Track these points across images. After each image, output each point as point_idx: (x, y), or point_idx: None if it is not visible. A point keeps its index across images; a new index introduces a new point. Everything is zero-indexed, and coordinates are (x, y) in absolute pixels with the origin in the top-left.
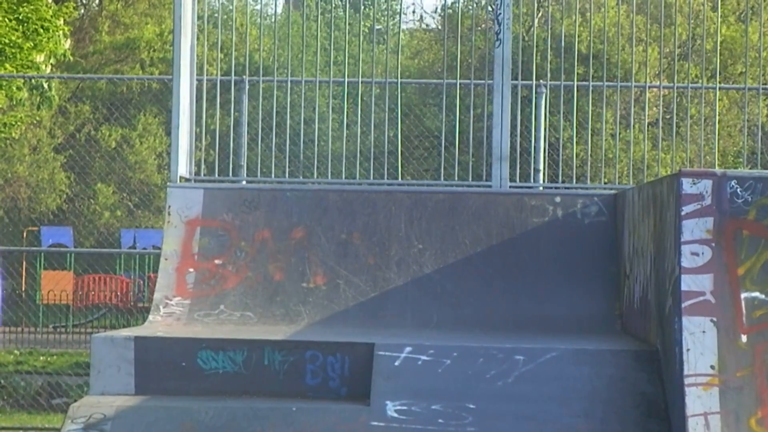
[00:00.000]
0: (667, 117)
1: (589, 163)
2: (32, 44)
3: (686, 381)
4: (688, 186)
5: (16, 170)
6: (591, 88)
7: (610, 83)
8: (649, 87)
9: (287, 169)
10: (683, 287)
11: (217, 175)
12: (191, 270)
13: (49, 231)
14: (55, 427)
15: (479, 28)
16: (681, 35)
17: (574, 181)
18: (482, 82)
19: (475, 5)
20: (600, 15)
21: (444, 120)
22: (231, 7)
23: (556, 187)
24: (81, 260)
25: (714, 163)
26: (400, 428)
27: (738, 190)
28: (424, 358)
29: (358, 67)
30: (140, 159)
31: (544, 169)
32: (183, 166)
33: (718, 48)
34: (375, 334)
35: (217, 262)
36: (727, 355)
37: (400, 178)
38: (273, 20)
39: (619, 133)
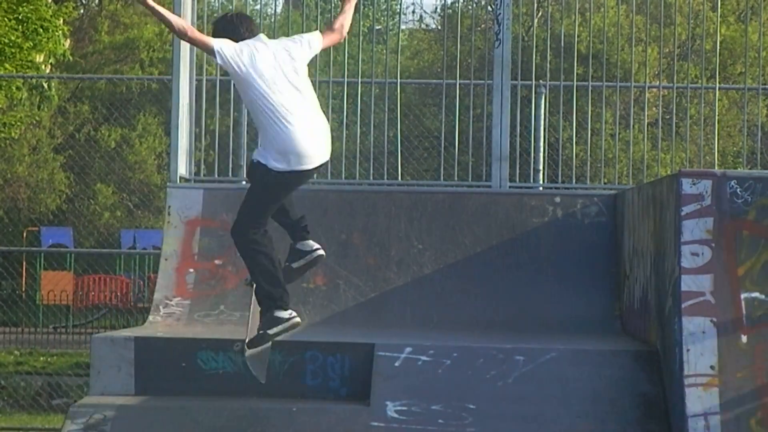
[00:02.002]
0: (667, 117)
1: (588, 164)
2: (32, 44)
3: (686, 381)
4: (687, 186)
5: (16, 170)
6: (590, 88)
7: (610, 83)
8: (649, 87)
9: None
10: (683, 287)
11: (216, 176)
12: (191, 270)
13: (48, 231)
14: (55, 427)
15: (479, 28)
16: (681, 35)
17: (574, 181)
18: (482, 82)
19: (474, 5)
20: (600, 15)
21: (444, 120)
22: (231, 7)
23: (555, 188)
24: (81, 260)
25: (714, 163)
26: (400, 428)
27: (738, 190)
28: (424, 358)
29: (357, 67)
30: (140, 159)
31: (543, 169)
32: (183, 166)
33: (718, 48)
34: (375, 335)
35: (217, 262)
36: (727, 356)
37: (400, 178)
38: (273, 20)
39: (619, 133)
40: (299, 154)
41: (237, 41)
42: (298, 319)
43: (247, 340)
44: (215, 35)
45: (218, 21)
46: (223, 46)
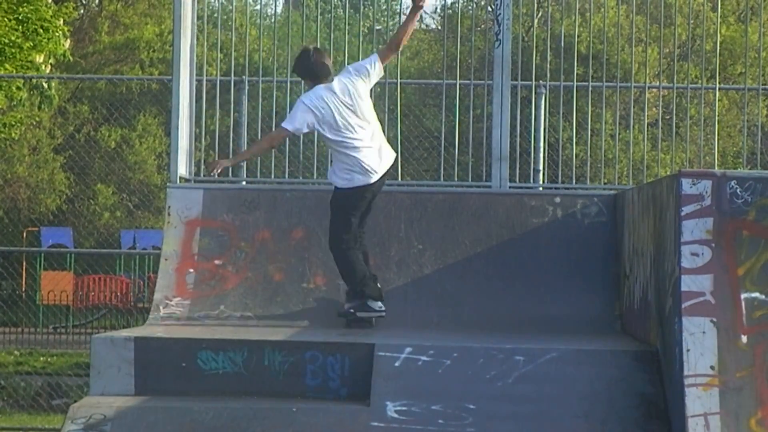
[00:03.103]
0: (667, 117)
1: (588, 164)
2: (32, 44)
3: (686, 381)
4: (687, 186)
5: (16, 171)
6: (590, 89)
7: (610, 83)
8: (649, 87)
9: (287, 169)
10: (683, 288)
11: (216, 176)
12: (191, 270)
13: (48, 231)
14: (55, 427)
15: (479, 29)
16: (681, 35)
17: (574, 181)
18: (482, 82)
19: (474, 5)
20: (600, 15)
21: (444, 120)
22: (231, 8)
23: (555, 188)
24: (81, 261)
25: (714, 163)
26: (400, 429)
27: (738, 190)
28: (424, 358)
29: None
30: (140, 159)
31: (543, 169)
32: (183, 167)
33: (718, 48)
34: (375, 335)
35: (217, 262)
36: (727, 356)
37: (399, 179)
38: (273, 20)
39: (619, 134)
40: (364, 172)
41: (314, 81)
42: (384, 313)
43: (339, 311)
44: (297, 73)
45: (299, 64)
46: (296, 125)
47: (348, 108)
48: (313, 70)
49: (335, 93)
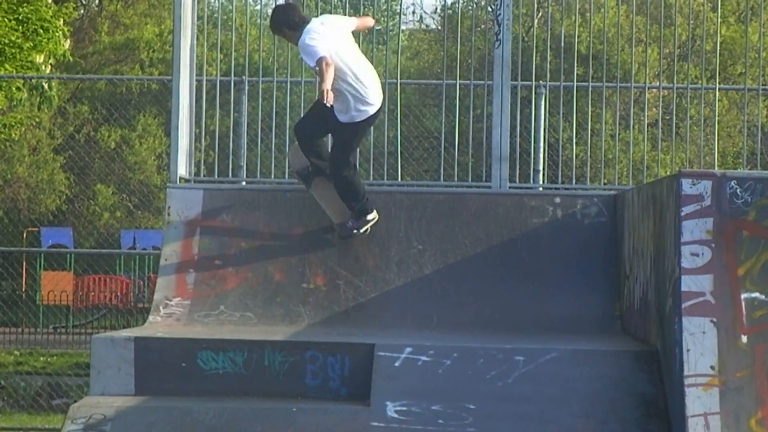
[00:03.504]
0: (667, 118)
1: (588, 164)
2: (32, 44)
3: (686, 381)
4: (687, 187)
5: (16, 171)
6: (590, 89)
7: (610, 84)
8: (649, 87)
9: (287, 170)
10: (683, 288)
11: (216, 176)
12: (191, 270)
13: (48, 232)
14: (55, 427)
15: (479, 29)
16: (681, 36)
17: (574, 181)
18: (482, 82)
19: (474, 6)
20: (600, 15)
21: (444, 120)
22: (231, 8)
23: (555, 188)
24: (81, 261)
25: (714, 163)
26: (400, 429)
27: (738, 190)
28: (424, 358)
29: None
30: (140, 160)
31: (543, 169)
32: (183, 167)
33: (718, 48)
34: (375, 335)
35: (217, 262)
36: (727, 356)
37: (399, 179)
38: None
39: (619, 134)
40: (373, 100)
41: (295, 31)
42: (377, 217)
43: (339, 231)
44: (277, 28)
45: (275, 16)
46: (324, 50)
47: (340, 35)
48: (292, 19)
49: (321, 25)
